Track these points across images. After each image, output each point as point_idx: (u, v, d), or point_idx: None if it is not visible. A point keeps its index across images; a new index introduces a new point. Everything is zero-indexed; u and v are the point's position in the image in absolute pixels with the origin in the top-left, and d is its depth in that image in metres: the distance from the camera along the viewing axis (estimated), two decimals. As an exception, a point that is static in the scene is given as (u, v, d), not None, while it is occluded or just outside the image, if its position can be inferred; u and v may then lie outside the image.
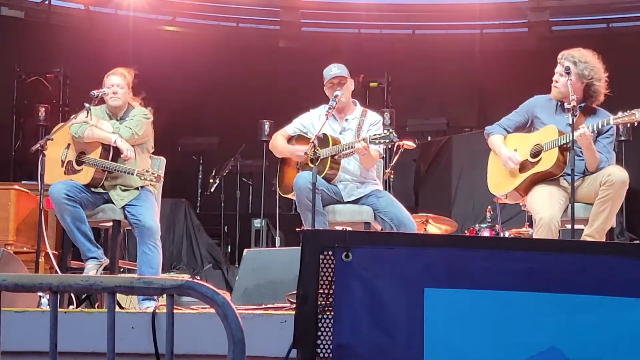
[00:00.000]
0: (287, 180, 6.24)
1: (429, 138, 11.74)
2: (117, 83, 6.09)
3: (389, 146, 5.94)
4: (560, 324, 2.37)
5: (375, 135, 5.85)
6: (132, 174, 5.87)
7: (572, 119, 5.32)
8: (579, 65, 5.49)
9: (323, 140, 6.03)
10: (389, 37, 12.74)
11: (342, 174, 6.08)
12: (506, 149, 5.68)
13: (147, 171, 5.84)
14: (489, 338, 2.37)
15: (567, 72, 5.48)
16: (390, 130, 5.92)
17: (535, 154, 5.57)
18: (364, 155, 5.92)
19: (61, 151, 6.12)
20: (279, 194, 6.44)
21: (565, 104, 5.49)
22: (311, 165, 5.86)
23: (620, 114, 5.34)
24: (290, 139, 6.34)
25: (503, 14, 12.47)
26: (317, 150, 5.87)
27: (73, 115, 6.12)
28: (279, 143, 6.34)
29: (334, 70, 6.14)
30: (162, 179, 5.97)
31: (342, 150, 5.98)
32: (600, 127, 5.38)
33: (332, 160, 6.02)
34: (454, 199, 10.49)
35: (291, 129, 6.34)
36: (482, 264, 2.40)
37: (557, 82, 5.55)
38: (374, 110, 6.61)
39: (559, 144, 5.43)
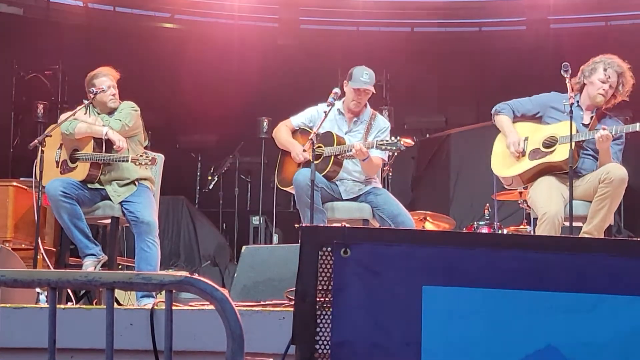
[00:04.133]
0: (286, 173, 6.22)
1: (428, 135, 11.74)
2: (111, 85, 6.12)
3: (395, 154, 5.91)
4: (558, 322, 2.36)
5: (382, 140, 5.84)
6: (127, 161, 5.88)
7: (571, 117, 5.33)
8: (621, 78, 5.52)
9: (328, 139, 6.02)
10: (387, 35, 12.72)
11: (343, 173, 6.07)
12: (516, 135, 5.67)
13: (140, 156, 5.86)
14: (487, 336, 2.37)
15: (565, 70, 5.48)
16: (399, 137, 5.88)
17: (549, 144, 5.57)
18: (364, 161, 5.91)
19: (54, 152, 6.14)
20: (277, 185, 6.41)
21: (564, 100, 5.50)
22: (314, 162, 5.86)
23: None
24: (294, 132, 6.30)
25: (502, 12, 12.46)
26: (321, 147, 5.88)
27: (72, 112, 6.13)
28: (282, 135, 6.28)
29: (366, 78, 6.02)
30: (156, 161, 5.97)
31: (345, 151, 5.95)
32: (624, 131, 5.40)
33: (335, 159, 6.00)
34: (452, 196, 10.49)
35: (296, 121, 6.28)
36: (480, 262, 2.40)
37: (606, 92, 5.54)
38: (373, 107, 6.60)
39: (577, 140, 5.43)
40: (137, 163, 5.85)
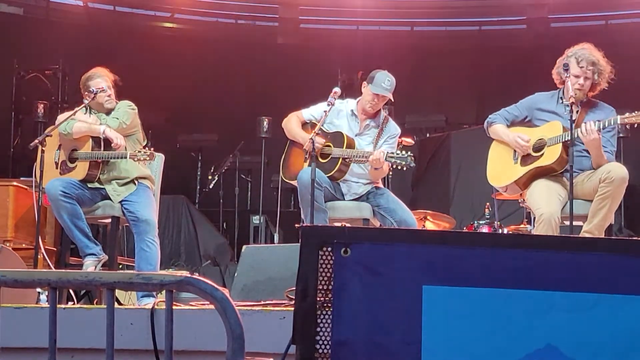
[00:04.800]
0: (292, 166, 6.20)
1: (428, 135, 11.74)
2: (107, 85, 6.12)
3: (404, 169, 5.88)
4: (558, 321, 2.36)
5: (392, 153, 5.82)
6: (126, 158, 5.88)
7: (571, 115, 5.33)
8: (594, 67, 5.49)
9: (337, 139, 6.01)
10: (387, 34, 12.73)
11: (348, 175, 6.06)
12: (513, 134, 5.66)
13: (139, 151, 5.86)
14: (487, 335, 2.37)
15: (566, 68, 5.48)
16: (410, 154, 5.86)
17: (538, 148, 5.57)
18: (376, 170, 5.90)
19: (53, 153, 6.14)
20: (281, 177, 6.39)
21: (565, 101, 5.50)
22: (322, 161, 5.86)
23: (627, 114, 5.34)
24: (303, 125, 6.28)
25: (501, 11, 12.47)
26: (330, 146, 5.87)
27: (73, 111, 6.13)
28: (292, 125, 6.24)
29: (387, 85, 6.01)
30: (155, 156, 5.96)
31: (354, 156, 5.94)
32: (606, 125, 5.38)
33: (343, 162, 5.98)
34: (452, 195, 10.48)
35: (307, 115, 6.23)
36: (480, 261, 2.40)
37: (582, 86, 5.51)
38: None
39: (563, 140, 5.42)
40: (136, 159, 5.85)
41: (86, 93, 6.12)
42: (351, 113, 6.13)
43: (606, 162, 5.43)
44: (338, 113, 6.08)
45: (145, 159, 5.84)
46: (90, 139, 6.01)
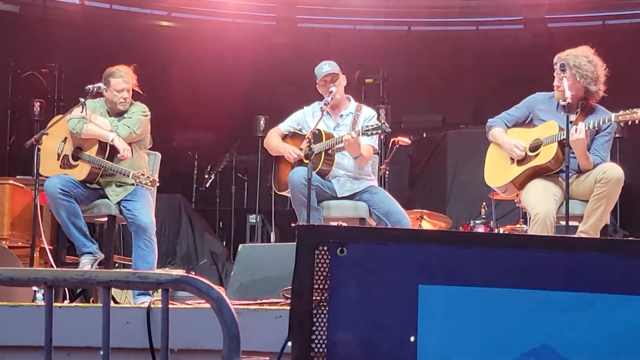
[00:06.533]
0: (282, 177, 6.25)
1: (425, 134, 11.74)
2: (126, 88, 6.08)
3: (382, 137, 5.94)
4: (554, 321, 2.37)
5: (367, 126, 5.87)
6: (128, 176, 5.85)
7: (567, 116, 5.33)
8: (574, 70, 5.48)
9: (317, 136, 6.04)
10: (384, 33, 12.73)
11: (336, 169, 6.09)
12: (509, 140, 5.68)
13: (142, 174, 5.82)
14: (482, 335, 2.37)
15: (562, 69, 5.48)
16: (382, 121, 5.94)
17: (534, 148, 5.58)
18: (357, 158, 5.93)
19: (58, 144, 6.13)
20: (275, 192, 6.45)
21: (561, 101, 5.51)
22: (306, 162, 5.87)
23: (621, 111, 5.34)
24: (284, 137, 6.35)
25: (499, 11, 12.47)
26: (312, 146, 5.88)
27: (69, 110, 6.12)
28: (272, 141, 6.35)
29: (326, 67, 6.14)
30: (158, 183, 5.94)
31: (334, 144, 5.99)
32: (600, 124, 5.38)
33: (326, 155, 6.03)
34: (448, 195, 10.49)
35: (284, 127, 6.36)
36: (476, 260, 2.41)
37: (558, 86, 5.52)
38: (370, 106, 6.61)
39: (559, 139, 5.43)
40: (138, 181, 5.83)
41: (101, 87, 6.04)
42: (321, 111, 6.17)
43: (591, 165, 5.44)
44: (312, 115, 6.16)
45: (147, 184, 5.83)
46: (97, 143, 5.99)
